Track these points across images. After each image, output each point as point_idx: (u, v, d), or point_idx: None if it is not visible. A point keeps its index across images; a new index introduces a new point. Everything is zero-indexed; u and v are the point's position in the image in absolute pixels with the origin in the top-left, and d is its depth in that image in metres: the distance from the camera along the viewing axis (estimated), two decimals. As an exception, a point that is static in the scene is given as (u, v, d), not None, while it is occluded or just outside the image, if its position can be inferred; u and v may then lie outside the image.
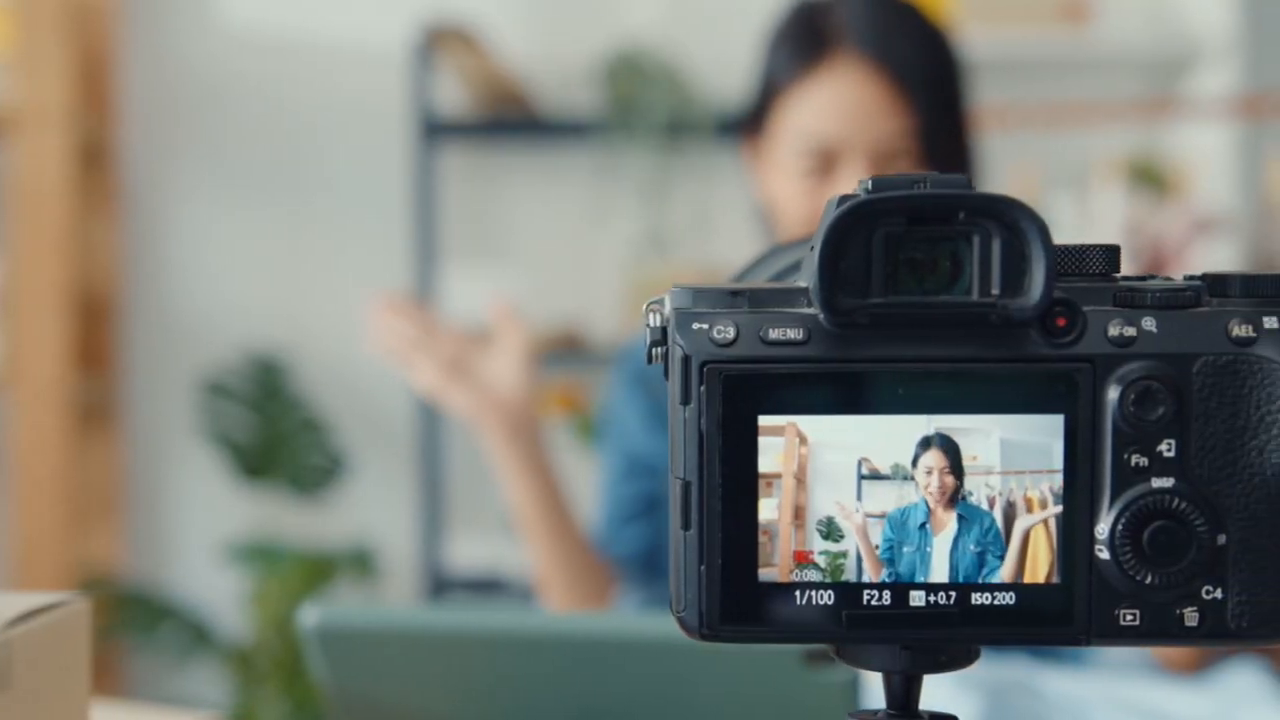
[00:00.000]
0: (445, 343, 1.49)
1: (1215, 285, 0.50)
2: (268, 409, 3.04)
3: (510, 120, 3.07)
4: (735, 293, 0.50)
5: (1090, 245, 0.51)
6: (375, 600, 3.03)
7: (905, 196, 0.48)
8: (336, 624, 1.05)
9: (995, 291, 0.48)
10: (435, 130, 3.02)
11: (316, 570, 2.90)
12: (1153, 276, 0.52)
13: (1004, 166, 2.75)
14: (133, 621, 2.92)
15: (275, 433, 3.03)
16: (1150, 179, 2.61)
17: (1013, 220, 0.48)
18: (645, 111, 2.98)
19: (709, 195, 3.02)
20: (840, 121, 1.48)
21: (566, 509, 1.53)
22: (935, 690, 1.28)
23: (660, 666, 1.03)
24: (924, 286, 0.49)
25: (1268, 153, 2.63)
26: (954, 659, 0.52)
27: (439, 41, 2.97)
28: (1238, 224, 2.72)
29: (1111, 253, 0.51)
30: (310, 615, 1.04)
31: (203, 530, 3.14)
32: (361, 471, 3.11)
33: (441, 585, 2.98)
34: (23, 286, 2.86)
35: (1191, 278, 0.51)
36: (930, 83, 1.52)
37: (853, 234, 0.48)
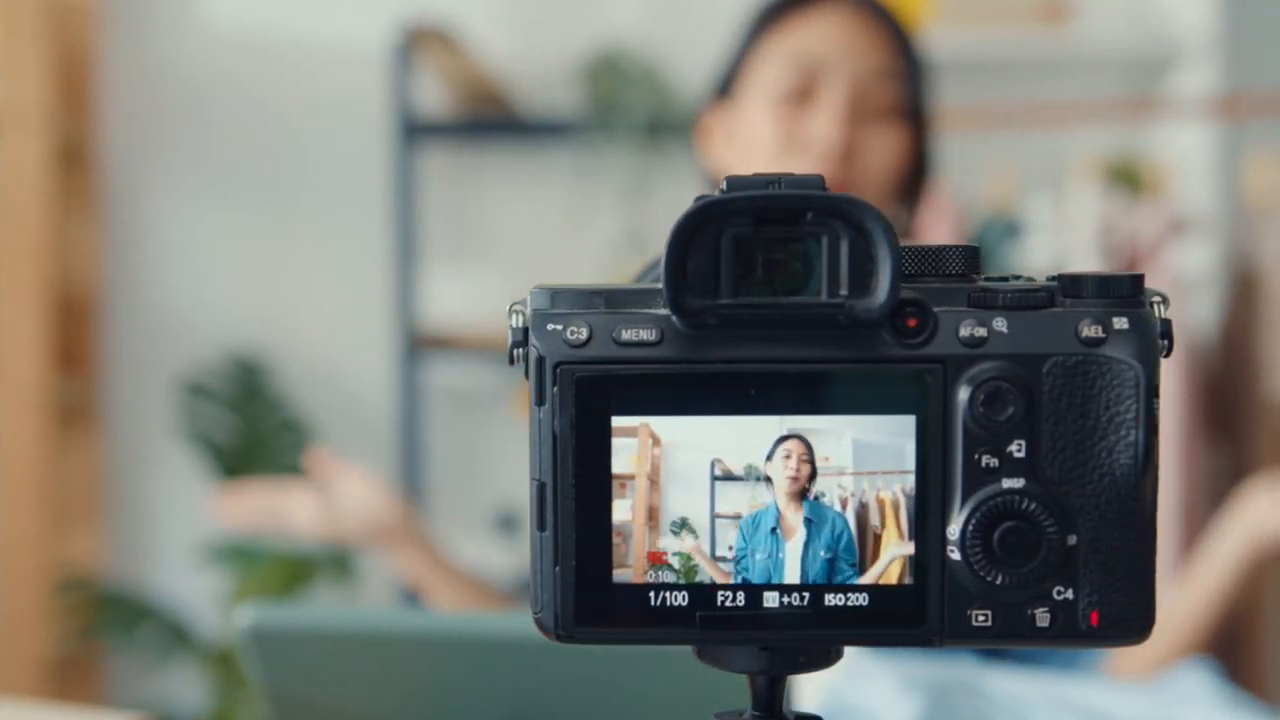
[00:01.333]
0: (297, 493, 1.49)
1: (1069, 286, 0.50)
2: (247, 410, 3.04)
3: (490, 120, 3.08)
4: (593, 293, 0.50)
5: (949, 246, 0.51)
6: (354, 602, 3.03)
7: (751, 197, 0.48)
8: (270, 625, 1.05)
9: (844, 292, 0.48)
10: (415, 130, 3.02)
11: (295, 572, 2.90)
12: (1017, 277, 0.52)
13: (982, 167, 2.75)
14: (112, 622, 2.92)
15: (255, 433, 3.03)
16: (1127, 179, 2.61)
17: (859, 221, 0.48)
18: (625, 112, 2.98)
19: (689, 195, 3.00)
20: (828, 43, 1.49)
21: (468, 575, 1.57)
22: (877, 689, 1.27)
23: (591, 666, 1.03)
24: (773, 287, 0.49)
25: (1247, 152, 2.63)
26: (813, 660, 0.52)
27: (419, 42, 2.97)
28: (1216, 224, 2.72)
29: (971, 253, 0.51)
30: (244, 616, 1.04)
31: (182, 531, 3.14)
32: (342, 472, 3.10)
33: (421, 586, 2.98)
34: (2, 287, 2.87)
35: (1052, 279, 0.51)
36: (908, 41, 1.55)
37: (701, 234, 0.48)
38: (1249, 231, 2.58)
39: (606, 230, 3.06)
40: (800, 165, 1.46)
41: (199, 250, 3.17)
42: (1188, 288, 2.58)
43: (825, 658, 0.52)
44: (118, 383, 3.16)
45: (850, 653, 1.45)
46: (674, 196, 3.01)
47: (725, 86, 1.57)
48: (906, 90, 1.51)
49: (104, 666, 3.13)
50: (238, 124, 3.16)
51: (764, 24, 1.53)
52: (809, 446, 0.49)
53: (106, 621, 2.92)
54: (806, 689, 1.40)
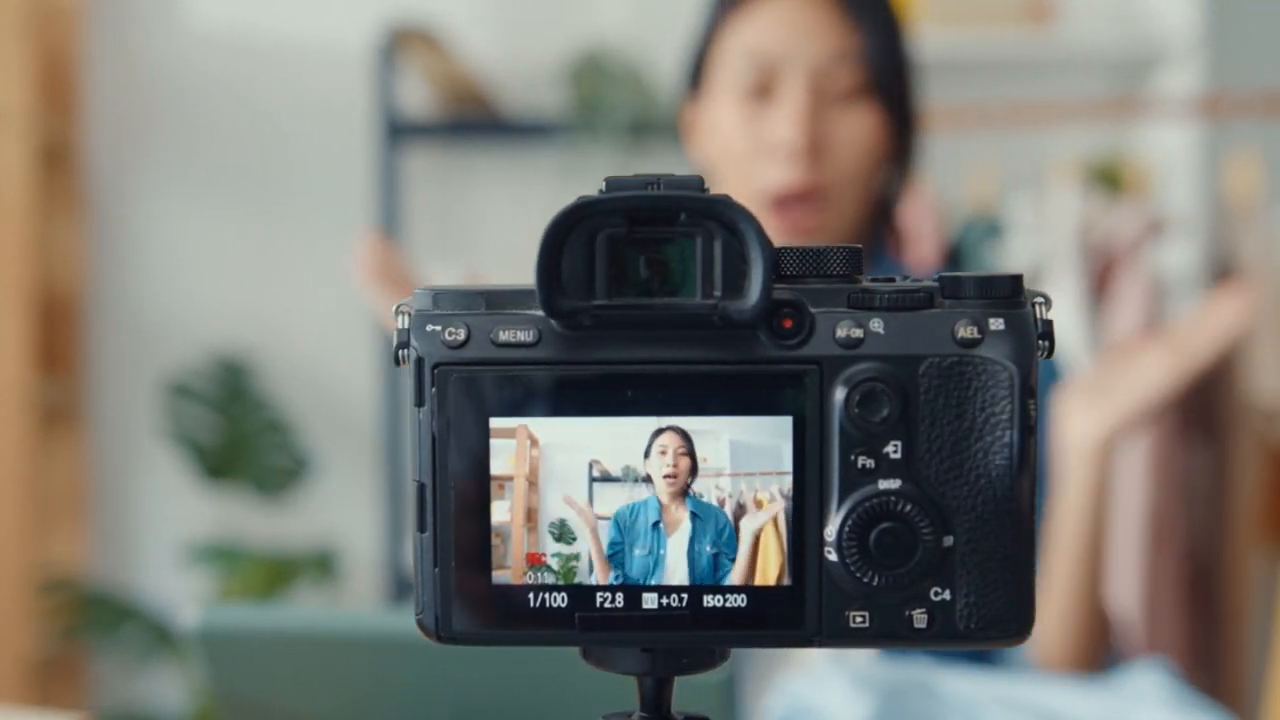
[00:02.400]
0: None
1: (950, 286, 0.50)
2: (232, 410, 3.04)
3: (474, 121, 3.08)
4: (475, 294, 0.50)
5: (833, 247, 0.51)
6: (337, 602, 3.03)
7: (624, 198, 0.48)
8: (219, 625, 1.05)
9: (717, 293, 0.48)
10: (400, 131, 3.02)
11: (279, 572, 2.90)
12: (905, 278, 0.51)
13: (964, 167, 2.75)
14: (95, 622, 2.93)
15: (239, 434, 3.03)
16: (1107, 179, 2.60)
17: (731, 222, 0.48)
18: (609, 112, 2.98)
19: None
20: (783, 36, 1.46)
21: None
22: (831, 691, 1.27)
23: (540, 667, 1.03)
24: (649, 288, 0.49)
25: (1228, 152, 2.63)
26: (697, 662, 0.52)
27: (403, 42, 2.97)
28: (1197, 224, 2.72)
29: (854, 254, 0.51)
30: (192, 616, 1.04)
31: (166, 531, 3.14)
32: (325, 473, 3.11)
33: (405, 588, 2.98)
34: (-16, 288, 2.87)
35: (934, 279, 0.51)
36: (871, 4, 1.50)
37: (575, 235, 0.48)
38: (1230, 232, 2.58)
39: (590, 231, 3.05)
40: (770, 170, 1.44)
41: (183, 250, 3.17)
42: (1169, 288, 2.58)
43: (709, 660, 0.52)
44: (102, 383, 3.16)
45: (809, 655, 1.44)
46: (657, 197, 3.01)
47: (695, 79, 1.55)
48: (870, 66, 1.47)
49: (87, 667, 3.13)
50: (222, 125, 3.16)
51: (721, 14, 1.50)
52: (687, 439, 0.49)
53: (90, 622, 2.93)
54: (766, 692, 1.40)
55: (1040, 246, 2.51)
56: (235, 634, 1.05)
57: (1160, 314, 2.44)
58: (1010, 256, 2.56)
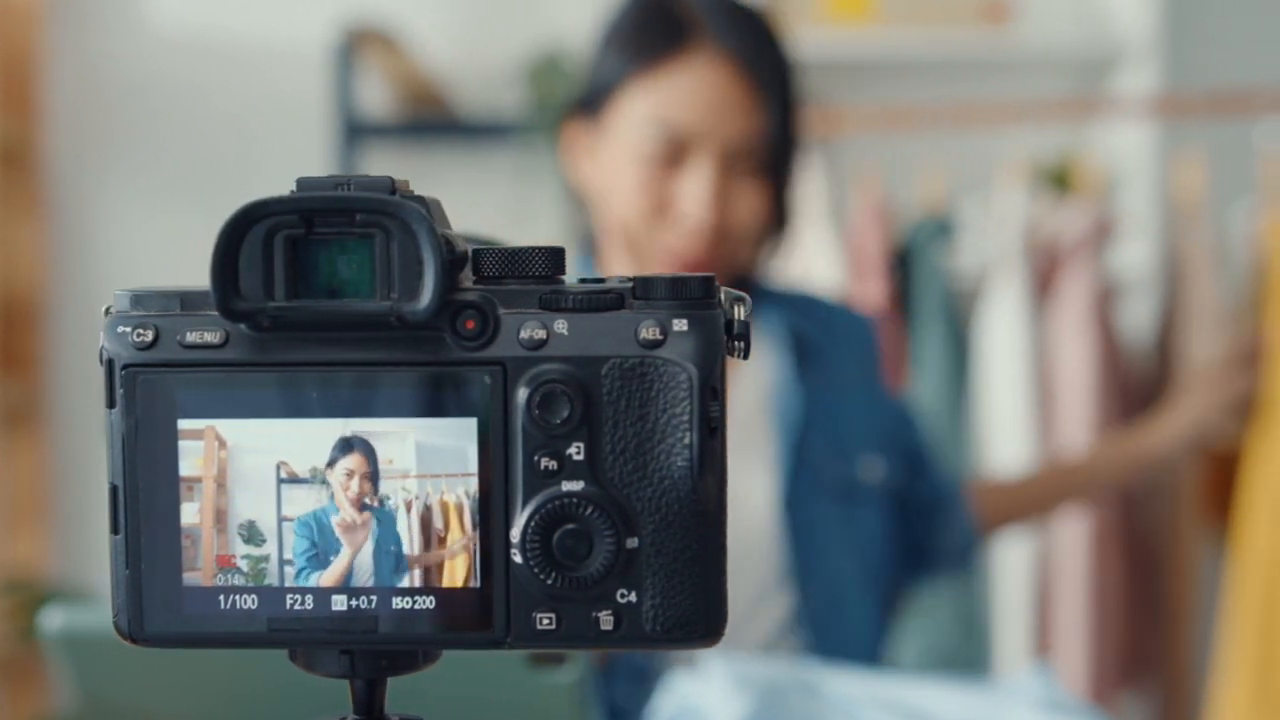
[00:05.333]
0: None
1: (641, 287, 0.50)
2: (190, 410, 3.04)
3: (433, 121, 3.07)
4: (172, 295, 0.50)
5: (534, 248, 0.50)
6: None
7: (297, 198, 0.48)
8: (79, 628, 1.05)
9: (394, 295, 0.48)
10: (358, 131, 3.02)
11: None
12: (599, 280, 0.51)
13: (915, 168, 2.74)
14: (52, 623, 2.92)
15: (197, 434, 3.03)
16: (1055, 180, 2.59)
17: (406, 223, 0.48)
18: (565, 113, 2.98)
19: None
20: (697, 112, 1.48)
21: None
22: (712, 689, 1.27)
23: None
24: (328, 290, 0.49)
25: (1181, 153, 2.62)
26: (397, 664, 0.52)
27: (361, 43, 2.97)
28: (1149, 225, 2.71)
29: (555, 255, 0.51)
30: (53, 619, 1.04)
31: (125, 531, 3.14)
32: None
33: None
34: (-60, 288, 2.87)
35: (625, 280, 0.50)
36: (779, 84, 1.53)
37: (252, 236, 0.48)
38: (1181, 232, 2.57)
39: (548, 231, 3.05)
40: (674, 237, 1.49)
41: (143, 251, 3.17)
42: (1121, 288, 2.58)
43: (411, 662, 0.52)
44: (62, 384, 3.16)
45: (702, 652, 1.44)
46: (614, 197, 3.01)
47: (594, 108, 1.55)
48: (769, 148, 1.52)
49: (48, 668, 3.13)
50: (182, 125, 3.16)
51: (631, 61, 1.51)
52: (370, 455, 0.49)
53: (47, 622, 2.92)
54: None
55: (987, 247, 2.51)
56: (95, 637, 1.05)
57: (1107, 315, 2.43)
58: (960, 257, 2.56)
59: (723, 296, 0.50)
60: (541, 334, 0.49)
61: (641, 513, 0.49)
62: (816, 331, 1.62)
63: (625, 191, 1.51)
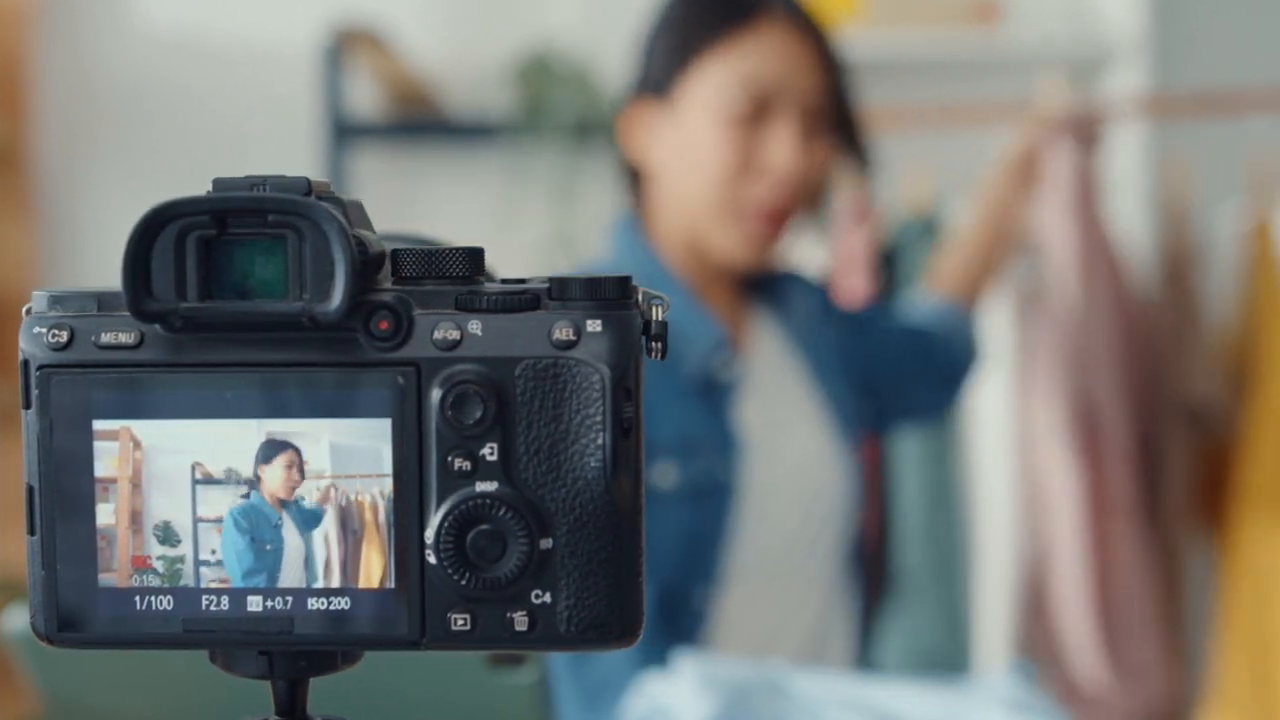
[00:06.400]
0: None
1: (558, 288, 0.49)
2: (179, 411, 3.04)
3: (421, 121, 3.07)
4: (89, 296, 0.50)
5: (452, 249, 0.50)
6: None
7: (207, 199, 0.48)
8: (43, 627, 1.04)
9: (306, 296, 0.48)
10: (346, 132, 3.02)
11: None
12: (521, 281, 0.51)
13: (902, 168, 2.74)
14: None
15: (186, 435, 3.03)
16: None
17: (317, 224, 0.48)
18: (554, 113, 2.98)
19: (617, 197, 3.01)
20: (778, 72, 1.61)
21: None
22: (679, 689, 1.27)
23: (389, 674, 1.03)
24: (241, 290, 0.49)
25: (1170, 152, 2.62)
26: (317, 664, 0.52)
27: (350, 43, 2.97)
28: (1141, 223, 2.71)
29: (475, 255, 0.51)
30: (16, 618, 1.04)
31: (114, 532, 3.14)
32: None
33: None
34: (-72, 289, 2.87)
35: (544, 280, 0.50)
36: (834, 50, 1.69)
37: (164, 237, 0.48)
38: (1171, 231, 2.56)
39: (536, 231, 3.05)
40: (759, 189, 1.61)
41: (132, 252, 3.17)
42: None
43: (331, 662, 0.52)
44: (51, 384, 3.16)
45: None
46: (602, 198, 3.01)
47: (662, 87, 1.65)
48: (836, 103, 1.67)
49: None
50: (171, 125, 3.16)
51: (706, 36, 1.62)
52: (286, 456, 0.49)
53: (35, 622, 2.92)
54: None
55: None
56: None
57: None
58: (946, 256, 2.55)
59: (640, 297, 0.50)
60: (455, 334, 0.49)
61: (555, 514, 0.49)
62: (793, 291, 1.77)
63: (711, 153, 1.61)
